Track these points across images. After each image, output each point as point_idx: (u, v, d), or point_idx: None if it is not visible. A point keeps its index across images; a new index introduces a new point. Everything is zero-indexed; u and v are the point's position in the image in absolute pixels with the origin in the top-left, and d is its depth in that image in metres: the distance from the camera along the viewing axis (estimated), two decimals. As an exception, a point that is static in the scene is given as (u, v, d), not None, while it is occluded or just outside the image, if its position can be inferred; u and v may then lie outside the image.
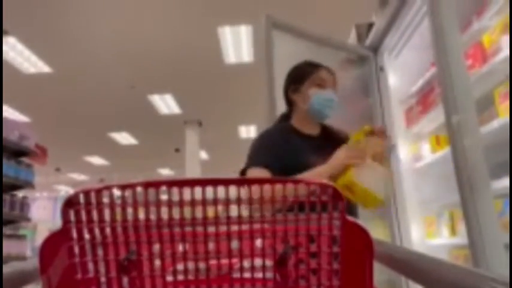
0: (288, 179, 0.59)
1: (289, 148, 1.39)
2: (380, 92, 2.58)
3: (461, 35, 1.76)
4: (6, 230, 4.00)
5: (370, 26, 2.70)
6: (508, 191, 1.56)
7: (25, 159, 4.27)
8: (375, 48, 2.62)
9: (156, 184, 0.57)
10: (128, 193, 0.57)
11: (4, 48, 5.41)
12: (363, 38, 2.74)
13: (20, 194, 4.26)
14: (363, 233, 0.59)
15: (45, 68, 6.21)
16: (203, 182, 0.57)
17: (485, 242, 1.38)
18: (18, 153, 4.18)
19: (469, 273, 0.54)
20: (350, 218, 0.59)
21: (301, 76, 1.50)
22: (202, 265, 0.59)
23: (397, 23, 2.30)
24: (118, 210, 0.57)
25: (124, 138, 10.08)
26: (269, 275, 0.60)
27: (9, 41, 5.38)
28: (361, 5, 3.36)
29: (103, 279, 0.59)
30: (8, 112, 7.55)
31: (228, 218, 0.58)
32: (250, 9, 4.71)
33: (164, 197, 0.58)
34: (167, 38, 5.57)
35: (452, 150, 1.51)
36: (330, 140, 1.46)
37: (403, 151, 2.49)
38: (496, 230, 1.40)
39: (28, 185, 4.22)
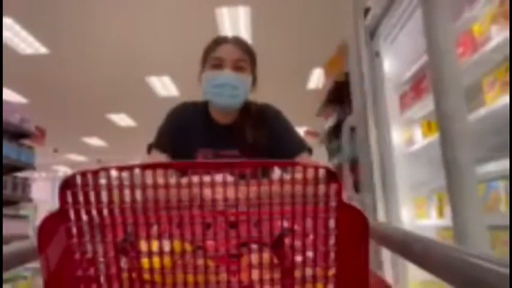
0: (285, 161, 0.59)
1: (185, 132, 1.20)
2: (375, 77, 2.62)
3: (453, 23, 1.79)
4: (9, 211, 4.08)
5: (367, 10, 2.72)
6: (494, 175, 1.64)
7: (26, 141, 4.32)
8: (371, 33, 2.65)
9: (153, 166, 0.56)
10: (125, 175, 0.56)
11: (0, 29, 5.38)
12: (359, 23, 2.76)
13: (21, 175, 4.33)
14: (359, 214, 0.58)
15: (42, 49, 6.17)
16: (200, 165, 0.59)
17: (468, 224, 1.46)
18: (20, 135, 4.23)
19: (455, 250, 0.56)
20: (345, 200, 0.59)
21: (203, 57, 1.22)
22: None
23: (393, 8, 2.32)
24: (115, 191, 0.57)
25: (122, 119, 10.08)
26: (266, 255, 0.60)
27: (6, 22, 5.33)
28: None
29: (101, 259, 0.60)
30: (5, 93, 7.51)
31: (226, 200, 0.57)
32: (248, -9, 4.67)
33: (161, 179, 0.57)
34: (164, 19, 5.54)
35: (440, 136, 1.57)
36: (239, 129, 1.20)
37: (396, 135, 2.55)
38: (479, 213, 1.47)
39: (29, 166, 4.28)
